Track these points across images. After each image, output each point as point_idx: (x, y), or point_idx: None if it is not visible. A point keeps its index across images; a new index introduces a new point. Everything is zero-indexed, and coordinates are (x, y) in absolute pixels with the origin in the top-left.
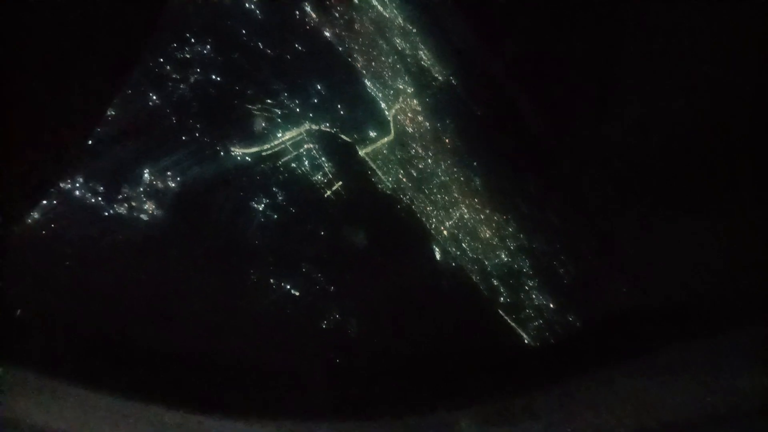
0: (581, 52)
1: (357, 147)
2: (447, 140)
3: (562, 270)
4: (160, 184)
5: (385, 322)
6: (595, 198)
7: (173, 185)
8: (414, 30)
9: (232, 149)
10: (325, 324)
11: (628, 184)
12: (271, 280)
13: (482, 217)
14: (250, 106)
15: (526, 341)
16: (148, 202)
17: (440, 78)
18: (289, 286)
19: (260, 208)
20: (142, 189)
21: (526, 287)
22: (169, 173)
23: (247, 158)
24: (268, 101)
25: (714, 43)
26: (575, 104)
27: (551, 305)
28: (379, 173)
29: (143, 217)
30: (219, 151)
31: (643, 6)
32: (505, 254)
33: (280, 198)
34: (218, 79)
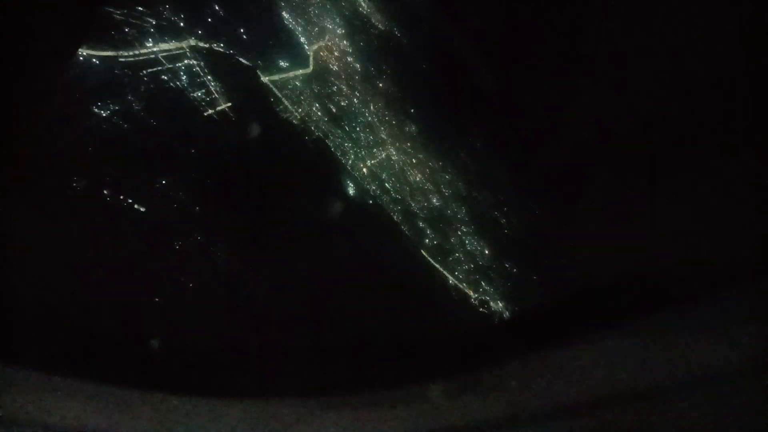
0: (546, 16)
1: (259, 72)
2: (381, 84)
3: (503, 220)
4: None
5: (275, 255)
6: (551, 160)
7: None
8: None
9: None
10: (180, 245)
11: (589, 150)
12: (105, 192)
13: (414, 161)
14: (111, 10)
15: (450, 282)
16: None
17: (381, 27)
18: (131, 200)
19: (104, 114)
20: None
21: (459, 233)
22: None
23: (94, 60)
24: (140, 8)
25: (676, 13)
26: (537, 69)
27: (486, 252)
28: (286, 102)
29: None
30: (56, 50)
31: None
32: (436, 199)
33: (136, 107)
34: None
